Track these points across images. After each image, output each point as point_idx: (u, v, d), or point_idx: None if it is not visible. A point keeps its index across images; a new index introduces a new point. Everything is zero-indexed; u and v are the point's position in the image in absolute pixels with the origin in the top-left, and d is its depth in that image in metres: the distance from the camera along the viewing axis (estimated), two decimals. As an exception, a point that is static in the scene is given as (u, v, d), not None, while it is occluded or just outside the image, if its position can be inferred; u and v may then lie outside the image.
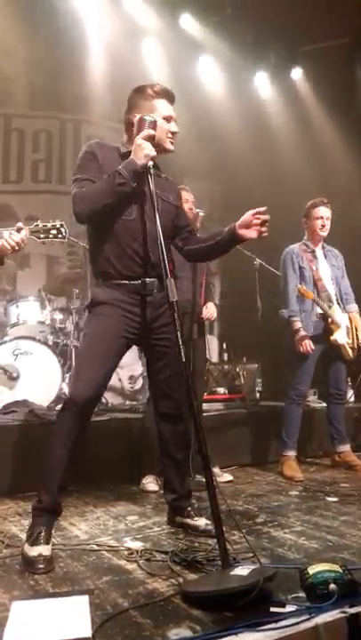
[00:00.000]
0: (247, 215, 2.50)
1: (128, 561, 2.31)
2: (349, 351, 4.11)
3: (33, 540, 2.27)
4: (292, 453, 4.09)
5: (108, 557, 2.37)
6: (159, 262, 2.45)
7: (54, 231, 2.61)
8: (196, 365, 3.77)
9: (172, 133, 2.57)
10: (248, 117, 6.40)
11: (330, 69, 6.18)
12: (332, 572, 1.87)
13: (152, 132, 2.44)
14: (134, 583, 2.08)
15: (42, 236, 2.59)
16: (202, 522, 2.66)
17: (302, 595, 1.89)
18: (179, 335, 2.23)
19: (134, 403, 5.09)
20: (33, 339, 4.44)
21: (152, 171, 2.41)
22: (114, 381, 5.40)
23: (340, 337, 4.06)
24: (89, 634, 1.62)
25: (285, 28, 6.03)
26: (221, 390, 5.12)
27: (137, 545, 2.51)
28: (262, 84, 6.64)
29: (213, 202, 7.05)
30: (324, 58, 6.20)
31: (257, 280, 4.85)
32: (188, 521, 2.69)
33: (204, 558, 2.27)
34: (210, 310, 3.91)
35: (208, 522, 2.61)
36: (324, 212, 4.15)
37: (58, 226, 2.61)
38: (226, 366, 5.49)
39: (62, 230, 2.62)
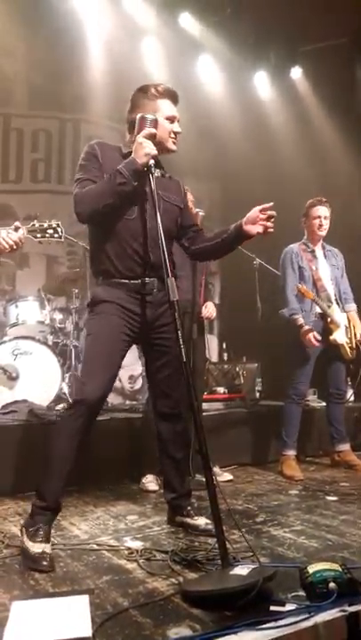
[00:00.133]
0: (254, 211, 2.51)
1: (128, 560, 2.32)
2: (348, 351, 4.12)
3: (33, 536, 2.28)
4: (291, 453, 4.10)
5: (108, 557, 2.38)
6: (159, 262, 2.45)
7: (50, 230, 2.63)
8: (195, 365, 3.77)
9: (175, 133, 2.57)
10: (248, 117, 6.39)
11: (329, 69, 6.18)
12: (332, 571, 1.87)
13: (153, 130, 2.43)
14: (134, 583, 2.09)
15: (38, 235, 2.60)
16: (202, 521, 2.66)
17: (302, 593, 1.90)
18: (179, 334, 2.23)
19: (134, 402, 5.10)
20: (32, 339, 4.44)
21: (153, 169, 2.40)
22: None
23: (340, 337, 4.06)
24: (89, 633, 1.62)
25: (285, 28, 6.03)
26: (221, 390, 5.11)
27: (137, 544, 2.51)
28: (262, 83, 6.64)
29: (213, 201, 7.05)
30: (323, 58, 6.19)
31: (257, 280, 4.85)
32: (188, 520, 2.70)
33: (203, 558, 2.27)
34: (209, 309, 3.92)
35: (208, 521, 2.61)
36: (322, 211, 4.15)
37: (54, 225, 2.63)
38: (226, 366, 5.48)
39: (58, 230, 2.64)
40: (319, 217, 4.15)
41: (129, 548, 2.45)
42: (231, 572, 1.96)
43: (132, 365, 5.23)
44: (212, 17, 5.95)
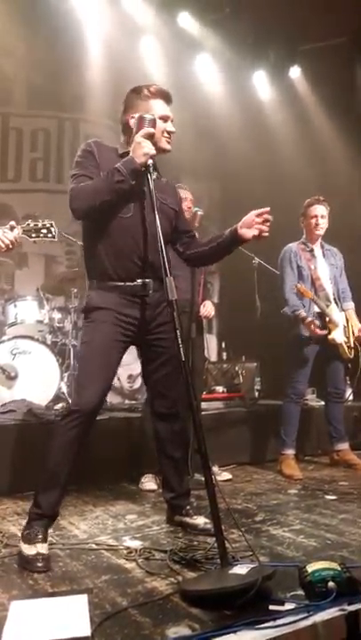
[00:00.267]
0: (250, 215, 2.50)
1: (127, 560, 2.32)
2: (347, 350, 4.12)
3: (28, 539, 2.28)
4: (290, 452, 4.10)
5: (107, 556, 2.38)
6: (155, 261, 2.46)
7: (44, 230, 2.65)
8: (194, 364, 3.77)
9: (169, 133, 2.55)
10: (247, 116, 6.39)
11: (329, 69, 6.17)
12: (331, 570, 1.87)
13: (152, 130, 2.42)
14: (133, 582, 2.09)
15: (33, 235, 2.62)
16: (201, 520, 2.66)
17: (301, 593, 1.90)
18: (178, 334, 2.22)
19: (133, 402, 5.09)
20: (31, 338, 4.43)
21: (152, 169, 2.40)
22: (113, 380, 5.40)
23: (338, 336, 4.06)
24: (88, 633, 1.62)
25: (284, 28, 6.02)
26: (220, 389, 5.12)
27: (136, 544, 2.51)
28: (261, 83, 6.63)
29: (212, 201, 7.04)
30: (322, 57, 6.19)
31: (256, 279, 4.85)
32: (187, 519, 2.69)
33: (202, 557, 2.27)
34: (207, 309, 3.91)
35: (207, 520, 2.61)
36: (318, 210, 4.15)
37: (48, 225, 2.65)
38: (225, 365, 5.49)
39: (52, 230, 2.66)
40: (316, 216, 4.15)
41: (128, 548, 2.45)
42: (230, 572, 1.96)
43: (132, 365, 5.21)
44: (211, 16, 5.95)
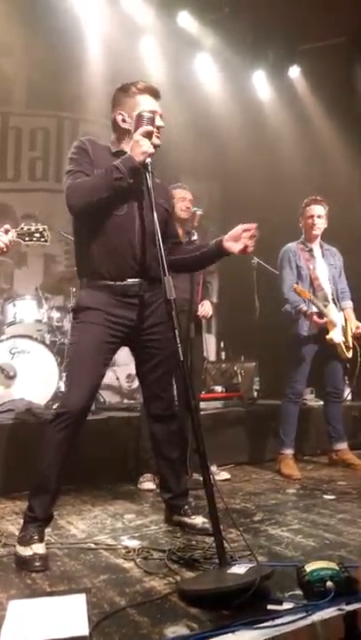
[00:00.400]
0: (236, 229, 2.51)
1: (125, 559, 2.32)
2: (345, 350, 4.11)
3: (25, 542, 2.27)
4: (289, 452, 4.10)
5: (105, 556, 2.38)
6: (148, 261, 2.47)
7: (37, 234, 2.68)
8: (193, 364, 3.77)
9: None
10: (246, 116, 6.39)
11: (328, 68, 6.17)
12: (329, 570, 1.88)
13: (150, 128, 2.42)
14: (132, 581, 2.08)
15: (27, 238, 2.66)
16: (199, 520, 2.66)
17: (299, 592, 1.90)
18: (176, 333, 2.22)
19: (132, 401, 5.09)
20: (30, 337, 4.43)
21: (150, 168, 2.40)
22: (111, 380, 5.40)
23: (336, 336, 4.05)
24: (86, 632, 1.62)
25: (283, 27, 6.02)
26: (219, 389, 5.12)
27: (134, 543, 2.51)
28: (260, 82, 6.63)
29: (212, 201, 7.05)
30: (322, 57, 6.19)
31: (255, 279, 4.85)
32: (186, 519, 2.69)
33: (201, 556, 2.27)
34: (205, 308, 3.91)
35: (205, 520, 2.61)
36: (316, 210, 4.15)
37: (41, 230, 2.69)
38: (223, 365, 5.49)
39: (45, 234, 2.70)
40: (313, 216, 4.15)
41: (126, 547, 2.45)
42: (229, 571, 1.96)
43: (130, 364, 5.18)
44: (211, 16, 5.95)
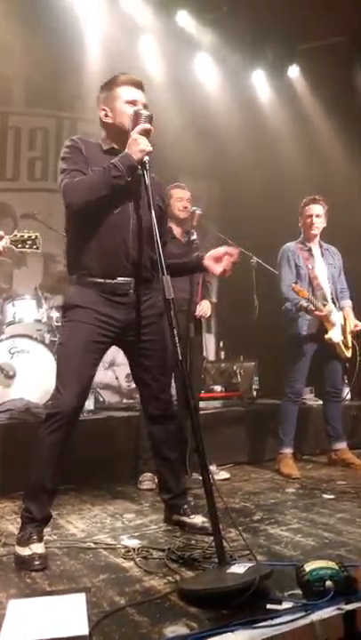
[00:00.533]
0: (218, 251, 2.56)
1: (125, 559, 2.32)
2: (344, 349, 4.12)
3: (24, 542, 2.27)
4: (288, 451, 4.10)
5: (105, 555, 2.38)
6: (142, 260, 2.47)
7: (30, 242, 2.76)
8: (193, 364, 3.77)
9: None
10: (245, 115, 6.38)
11: (327, 68, 6.16)
12: (329, 569, 1.88)
13: (148, 126, 2.41)
14: (131, 581, 2.09)
15: (20, 245, 2.73)
16: (198, 519, 2.66)
17: (299, 592, 1.90)
18: (175, 333, 2.22)
19: (131, 401, 5.10)
20: (29, 337, 4.43)
21: (148, 166, 2.39)
22: (111, 379, 5.41)
23: (335, 335, 4.05)
24: (86, 632, 1.62)
25: (282, 26, 6.01)
26: (218, 388, 5.12)
27: (134, 543, 2.51)
28: (259, 82, 6.63)
29: (211, 200, 7.03)
30: (321, 56, 6.18)
31: (254, 278, 4.85)
32: (185, 519, 2.69)
33: (200, 556, 2.27)
34: (203, 308, 3.91)
35: (205, 519, 2.61)
36: (314, 209, 4.15)
37: (33, 237, 2.76)
38: (223, 364, 5.49)
39: (37, 242, 2.77)
40: (311, 215, 4.15)
41: (126, 547, 2.45)
42: (228, 571, 1.96)
43: (130, 364, 5.22)
44: (209, 15, 5.93)
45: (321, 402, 4.52)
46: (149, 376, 2.66)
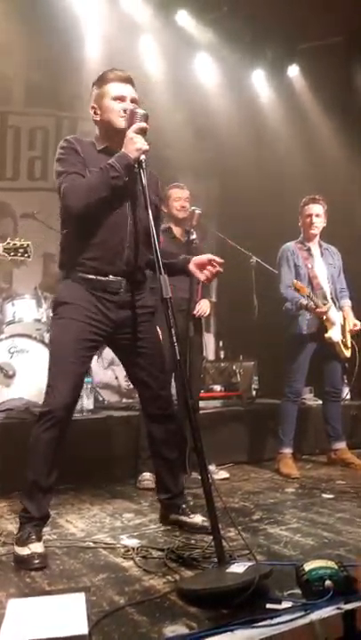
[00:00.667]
0: (203, 258, 2.60)
1: (124, 558, 2.32)
2: (343, 349, 4.12)
3: (23, 542, 2.27)
4: (288, 451, 4.10)
5: (104, 555, 2.38)
6: (136, 260, 2.48)
7: (22, 250, 2.87)
8: (192, 363, 3.77)
9: (125, 111, 2.49)
10: (245, 115, 6.38)
11: (327, 67, 6.16)
12: (328, 569, 1.88)
13: (144, 125, 2.41)
14: (131, 580, 2.09)
15: (12, 253, 2.83)
16: (198, 519, 2.66)
17: (298, 591, 1.90)
18: (173, 332, 2.22)
19: (130, 400, 5.09)
20: (29, 336, 4.42)
21: (144, 165, 2.39)
22: (110, 379, 5.40)
23: (335, 334, 4.05)
24: (85, 631, 1.62)
25: (281, 26, 6.01)
26: (218, 388, 5.12)
27: (133, 542, 2.51)
28: (259, 81, 6.63)
29: (211, 199, 7.03)
30: (320, 56, 6.18)
31: (253, 278, 4.85)
32: (185, 518, 2.69)
33: (200, 555, 2.27)
34: (202, 307, 3.91)
35: (205, 519, 2.61)
36: (314, 209, 4.15)
37: (25, 246, 2.87)
38: (222, 364, 5.48)
39: (28, 250, 2.88)
40: (311, 215, 4.15)
41: (125, 546, 2.45)
42: (227, 570, 1.96)
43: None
44: (209, 14, 5.93)
45: (320, 402, 4.52)
46: (146, 374, 2.65)
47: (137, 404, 4.44)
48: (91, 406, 4.26)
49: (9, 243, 2.79)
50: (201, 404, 4.28)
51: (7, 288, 5.67)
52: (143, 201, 2.36)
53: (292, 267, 4.13)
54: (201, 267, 2.59)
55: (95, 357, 5.29)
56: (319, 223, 4.17)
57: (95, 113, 2.57)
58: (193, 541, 2.49)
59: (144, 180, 2.37)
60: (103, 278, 2.49)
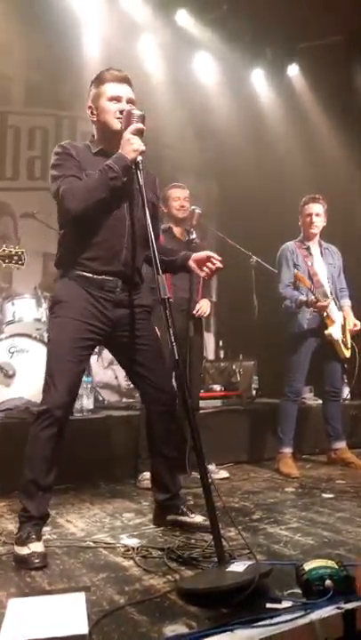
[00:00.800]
0: (203, 254, 2.61)
1: (124, 558, 2.32)
2: (344, 349, 4.11)
3: (22, 542, 2.27)
4: (288, 450, 4.10)
5: (104, 554, 2.38)
6: (134, 263, 2.49)
7: (16, 257, 2.93)
8: (192, 363, 3.77)
9: (121, 112, 2.49)
10: (245, 114, 6.38)
11: (326, 67, 6.17)
12: (328, 569, 1.88)
13: (140, 125, 2.42)
14: (131, 580, 2.09)
15: (7, 260, 2.90)
16: (199, 518, 2.65)
17: (298, 591, 1.90)
18: (171, 332, 2.22)
19: (131, 400, 5.10)
20: (29, 336, 4.42)
21: (141, 166, 2.40)
22: (110, 379, 5.40)
23: (335, 332, 4.05)
24: (85, 631, 1.62)
25: (282, 25, 6.02)
26: (218, 388, 5.12)
27: (133, 542, 2.51)
28: (259, 80, 6.63)
29: (210, 199, 7.03)
30: (320, 55, 6.18)
31: (253, 278, 4.85)
32: (185, 518, 2.68)
33: (200, 555, 2.27)
34: (202, 307, 3.90)
35: (205, 518, 2.60)
36: (314, 208, 4.15)
37: (19, 253, 2.92)
38: (222, 364, 5.48)
39: (22, 257, 2.94)
40: (311, 214, 4.15)
41: (125, 546, 2.45)
42: (227, 570, 1.96)
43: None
44: (209, 14, 5.94)
45: (320, 401, 4.52)
46: (146, 370, 2.64)
47: (137, 403, 4.45)
48: (91, 406, 4.27)
49: (4, 250, 2.83)
50: (201, 403, 4.29)
51: (7, 288, 5.67)
52: (141, 201, 2.37)
53: (291, 266, 4.13)
54: (200, 263, 2.60)
55: (95, 357, 5.30)
56: (319, 222, 4.17)
57: (92, 113, 2.57)
58: (193, 541, 2.49)
59: (141, 181, 2.37)
60: (100, 277, 2.50)
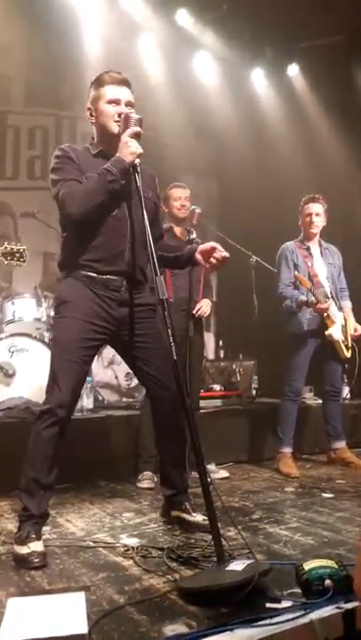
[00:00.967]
0: (208, 245, 2.61)
1: (124, 557, 2.32)
2: (344, 349, 4.11)
3: (22, 541, 2.28)
4: (288, 450, 4.10)
5: (104, 554, 2.38)
6: (137, 263, 2.50)
7: (18, 254, 2.96)
8: (192, 363, 3.77)
9: (120, 115, 2.49)
10: (245, 113, 6.39)
11: (326, 66, 6.17)
12: (328, 568, 1.88)
13: (138, 129, 2.43)
14: (130, 580, 2.09)
15: (9, 257, 2.92)
16: (199, 517, 2.66)
17: (298, 591, 1.90)
18: (170, 332, 2.22)
19: (131, 400, 5.09)
20: (29, 336, 4.43)
21: (139, 168, 2.41)
22: (110, 378, 5.40)
23: (336, 333, 4.05)
24: (85, 630, 1.62)
25: (281, 25, 6.02)
26: (218, 387, 5.12)
27: (133, 541, 2.51)
28: (259, 80, 6.63)
29: (210, 198, 7.03)
30: (320, 55, 6.18)
31: (253, 277, 4.85)
32: (186, 516, 2.69)
33: (199, 554, 2.28)
34: (202, 307, 3.90)
35: (205, 518, 2.60)
36: (314, 208, 4.15)
37: (21, 250, 2.96)
38: (222, 363, 5.48)
39: (24, 254, 2.97)
40: (311, 214, 4.15)
41: (125, 546, 2.45)
42: (227, 569, 1.96)
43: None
44: (209, 14, 5.94)
45: (320, 401, 4.52)
46: (150, 367, 2.64)
47: (137, 403, 4.46)
48: (90, 406, 4.27)
49: (6, 247, 2.85)
50: (201, 403, 4.29)
51: (7, 287, 5.67)
52: (139, 202, 2.38)
53: (291, 266, 4.13)
54: (206, 255, 2.60)
55: (95, 357, 5.30)
56: (319, 222, 4.17)
57: (91, 115, 2.59)
58: (193, 540, 2.49)
59: (139, 182, 2.39)
60: (105, 277, 2.51)
